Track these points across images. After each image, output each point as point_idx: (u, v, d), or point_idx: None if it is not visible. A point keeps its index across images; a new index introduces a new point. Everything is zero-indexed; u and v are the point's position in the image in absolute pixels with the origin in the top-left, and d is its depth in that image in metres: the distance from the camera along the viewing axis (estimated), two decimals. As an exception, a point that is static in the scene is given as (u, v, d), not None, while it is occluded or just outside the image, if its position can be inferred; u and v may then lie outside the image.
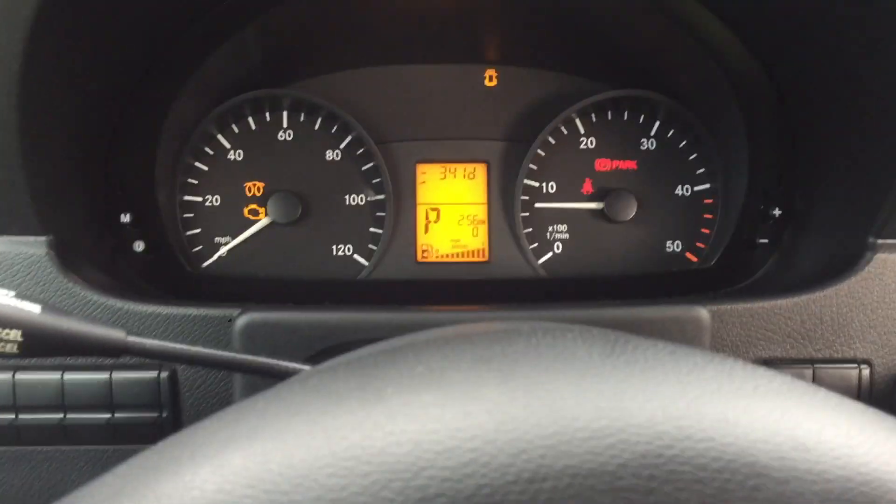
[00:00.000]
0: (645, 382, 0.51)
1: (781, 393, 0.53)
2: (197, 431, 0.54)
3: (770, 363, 1.22)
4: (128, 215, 1.43)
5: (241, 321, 1.10)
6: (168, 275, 1.50)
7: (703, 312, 1.14)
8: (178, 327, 1.19)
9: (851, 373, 1.23)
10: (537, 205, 1.68)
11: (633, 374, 0.52)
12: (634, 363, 0.54)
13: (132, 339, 0.80)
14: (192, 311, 1.20)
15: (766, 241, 1.50)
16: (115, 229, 1.43)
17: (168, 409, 1.18)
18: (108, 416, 1.17)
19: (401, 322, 1.11)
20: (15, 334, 0.73)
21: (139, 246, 1.45)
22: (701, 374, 0.54)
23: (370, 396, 0.51)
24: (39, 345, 0.74)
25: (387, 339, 0.72)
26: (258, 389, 1.10)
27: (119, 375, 1.16)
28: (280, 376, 0.87)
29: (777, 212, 1.49)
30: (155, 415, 1.18)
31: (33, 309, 0.76)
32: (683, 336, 1.13)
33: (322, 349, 1.10)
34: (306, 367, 0.86)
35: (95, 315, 1.18)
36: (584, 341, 0.58)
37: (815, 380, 1.22)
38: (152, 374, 1.16)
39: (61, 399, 1.16)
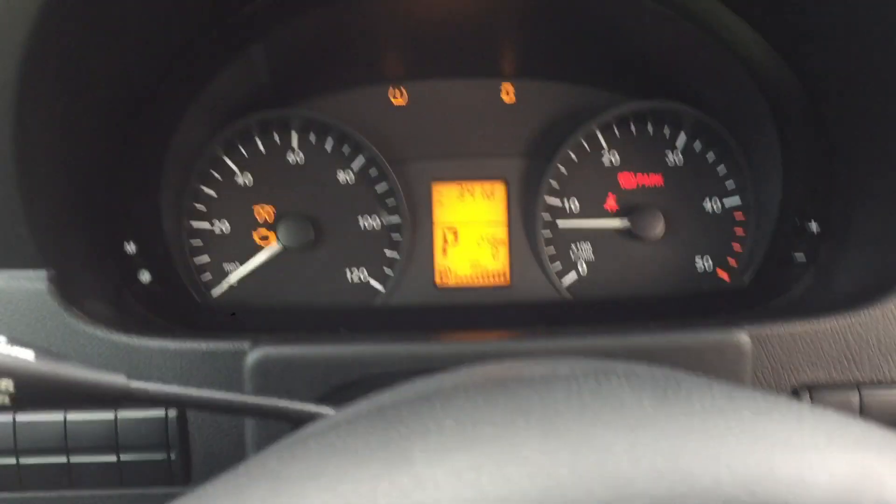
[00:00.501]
0: (706, 436, 0.46)
1: (861, 444, 0.48)
2: (203, 498, 0.49)
3: (814, 388, 1.17)
4: (132, 244, 1.39)
5: (253, 357, 1.06)
6: (176, 306, 1.46)
7: (744, 337, 1.09)
8: (186, 363, 1.15)
9: (901, 396, 1.17)
10: (560, 223, 1.64)
11: (691, 426, 0.47)
12: (691, 412, 0.49)
13: (135, 383, 0.75)
14: (202, 345, 1.16)
15: (802, 257, 1.45)
16: (120, 259, 1.39)
17: (177, 451, 1.14)
18: (113, 458, 1.13)
19: (421, 353, 1.07)
20: (6, 384, 0.68)
21: (145, 276, 1.41)
22: (768, 424, 0.49)
23: (395, 458, 0.46)
24: (33, 395, 0.70)
25: (411, 382, 0.67)
26: (272, 429, 1.08)
27: (125, 415, 1.12)
28: (294, 419, 0.82)
29: (814, 226, 1.44)
30: (163, 456, 1.14)
31: (26, 355, 0.72)
32: (723, 363, 1.08)
33: (339, 385, 1.05)
34: (322, 410, 0.81)
35: (99, 352, 1.15)
36: (632, 386, 0.53)
37: (863, 404, 1.18)
38: (160, 413, 1.12)
39: (64, 441, 1.12)
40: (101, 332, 1.15)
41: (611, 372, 0.56)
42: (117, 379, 0.74)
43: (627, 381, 0.54)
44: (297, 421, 0.83)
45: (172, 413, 1.11)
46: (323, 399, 1.05)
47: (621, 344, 1.08)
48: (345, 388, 1.05)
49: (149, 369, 1.15)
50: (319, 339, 1.10)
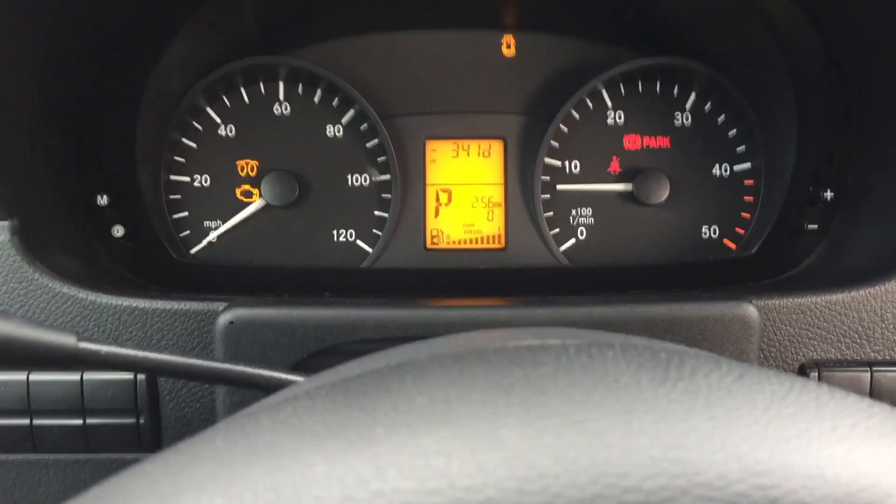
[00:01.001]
0: (712, 423, 0.40)
1: (890, 433, 0.43)
2: (151, 468, 0.43)
3: (823, 365, 1.13)
4: (105, 197, 1.35)
5: (224, 318, 1.00)
6: (151, 263, 1.41)
7: (751, 310, 1.04)
8: (156, 323, 1.11)
9: (915, 376, 1.13)
10: (559, 186, 1.58)
11: (694, 409, 0.42)
12: (696, 394, 0.43)
13: (84, 345, 0.70)
14: (173, 304, 1.12)
15: (814, 226, 1.41)
16: (92, 213, 1.34)
17: (146, 415, 1.10)
18: (79, 421, 1.09)
19: (405, 319, 1.01)
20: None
21: (118, 231, 1.36)
22: (782, 409, 0.43)
23: (355, 438, 0.41)
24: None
25: (383, 351, 0.61)
26: (244, 395, 1.03)
27: (92, 376, 1.07)
28: (264, 388, 0.77)
29: (828, 194, 1.39)
30: (132, 421, 1.10)
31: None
32: (728, 337, 1.03)
33: (316, 351, 1.00)
34: (291, 378, 0.76)
35: (64, 309, 1.10)
36: (628, 362, 0.48)
37: (874, 384, 1.14)
38: (128, 375, 1.08)
39: (27, 402, 1.08)
40: (66, 288, 1.11)
41: (606, 344, 0.50)
42: (66, 339, 0.69)
43: (624, 355, 0.49)
44: (268, 389, 0.78)
45: (142, 375, 1.06)
46: (299, 367, 1.00)
47: (620, 314, 1.03)
48: (323, 354, 1.00)
49: (116, 329, 1.11)
50: (298, 303, 1.05)
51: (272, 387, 0.75)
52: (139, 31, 1.35)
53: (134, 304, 1.11)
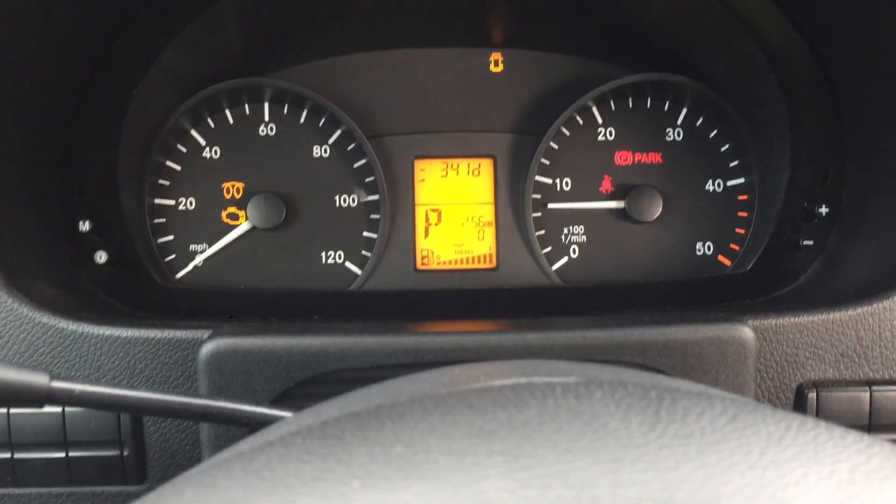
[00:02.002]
0: (704, 471, 0.38)
1: (889, 476, 0.41)
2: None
3: (821, 386, 1.11)
4: (87, 223, 1.32)
5: (207, 349, 0.98)
6: (136, 288, 1.39)
7: (747, 332, 1.02)
8: (139, 352, 1.10)
9: (915, 395, 1.12)
10: (550, 204, 1.57)
11: (686, 457, 0.40)
12: (688, 438, 0.42)
13: (58, 384, 0.68)
14: (156, 333, 1.10)
15: (810, 242, 1.39)
16: (73, 239, 1.32)
17: (130, 447, 1.08)
18: (62, 454, 1.07)
19: (392, 347, 0.99)
20: None
21: (101, 257, 1.34)
22: (778, 452, 0.41)
23: (330, 493, 0.39)
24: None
25: (366, 388, 0.59)
26: (228, 426, 1.01)
27: (73, 408, 1.05)
28: (246, 424, 0.75)
29: (823, 210, 1.38)
30: (115, 453, 1.08)
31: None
32: (724, 359, 1.01)
33: (302, 380, 0.98)
34: (274, 413, 0.74)
35: (46, 340, 1.08)
36: (618, 403, 0.46)
37: (873, 403, 1.12)
38: (111, 406, 1.05)
39: (8, 436, 1.06)
40: (45, 318, 1.09)
41: (594, 383, 0.48)
42: (38, 379, 0.67)
43: (613, 395, 0.47)
44: (250, 426, 0.76)
45: None
46: (285, 396, 0.98)
47: (613, 338, 1.01)
48: (309, 383, 0.98)
49: (98, 359, 1.09)
50: (283, 331, 1.03)
51: (254, 423, 0.73)
52: (121, 51, 1.34)
53: (115, 333, 1.09)
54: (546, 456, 0.40)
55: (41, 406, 0.68)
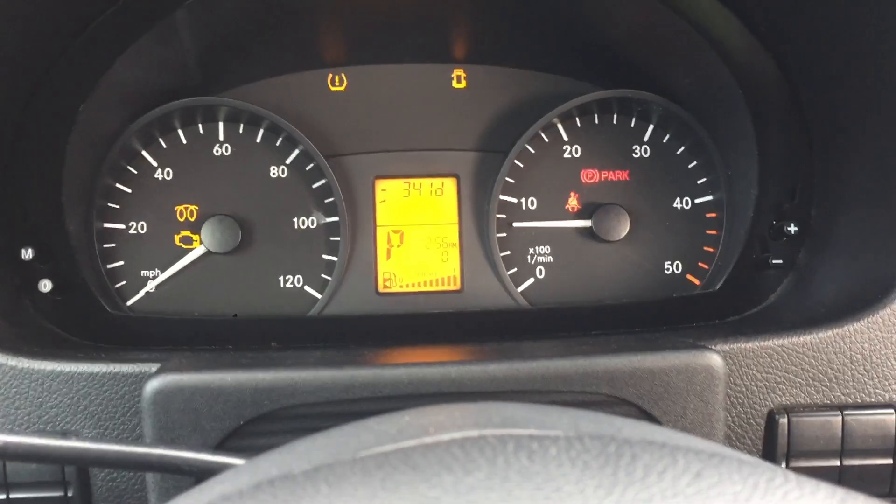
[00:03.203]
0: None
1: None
2: None
3: (792, 410, 1.10)
4: (30, 250, 1.27)
5: (152, 386, 0.94)
6: (84, 317, 1.35)
7: (716, 359, 1.00)
8: (84, 388, 1.06)
9: (887, 419, 1.11)
10: (515, 224, 1.55)
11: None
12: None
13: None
14: (101, 367, 1.07)
15: (779, 261, 1.39)
16: (16, 267, 1.27)
17: (75, 489, 1.04)
18: (2, 496, 1.03)
19: (347, 382, 0.96)
20: None
21: (46, 286, 1.30)
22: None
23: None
24: None
25: (309, 440, 0.56)
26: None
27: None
28: (188, 473, 0.71)
29: (792, 228, 1.37)
30: (59, 494, 1.04)
31: None
32: (693, 387, 0.99)
33: (252, 418, 0.94)
34: (218, 460, 0.70)
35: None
36: (573, 462, 0.43)
37: (846, 427, 1.11)
38: (54, 445, 1.01)
39: (-56, 478, 1.01)
40: None
41: (548, 439, 0.45)
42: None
43: (568, 452, 0.44)
44: (193, 474, 0.72)
45: None
46: (235, 434, 0.94)
47: (580, 367, 0.98)
48: (259, 420, 0.94)
49: (40, 395, 1.05)
50: (233, 364, 0.99)
51: (197, 471, 0.70)
52: (66, 65, 1.28)
53: (58, 368, 1.06)
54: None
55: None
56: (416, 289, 1.55)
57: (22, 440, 0.66)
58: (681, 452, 0.45)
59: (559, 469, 0.42)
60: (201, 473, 0.71)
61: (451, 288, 1.56)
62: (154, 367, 1.03)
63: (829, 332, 1.11)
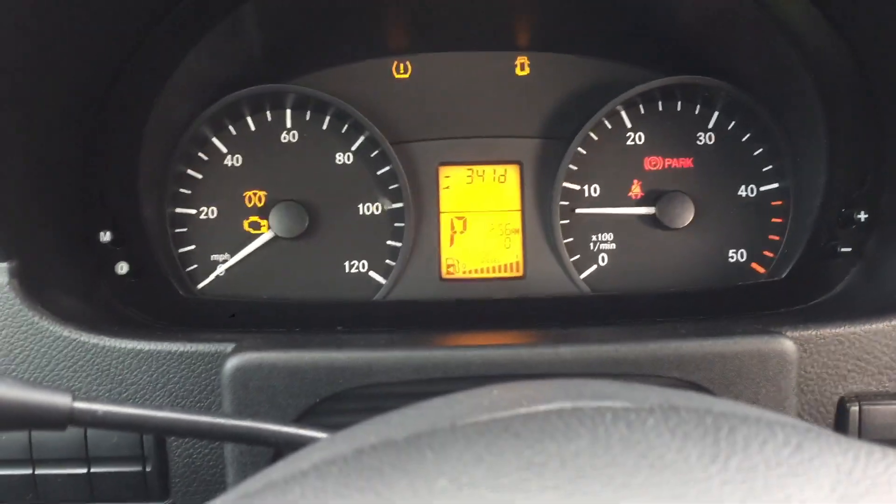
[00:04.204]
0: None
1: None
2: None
3: (864, 398, 1.09)
4: (108, 233, 1.31)
5: (231, 364, 0.96)
6: (157, 300, 1.38)
7: (788, 344, 0.99)
8: (162, 366, 1.09)
9: (962, 409, 1.09)
10: (578, 211, 1.54)
11: (753, 494, 0.37)
12: (752, 472, 0.39)
13: (80, 404, 0.66)
14: (179, 346, 1.09)
15: (847, 249, 1.36)
16: (94, 250, 1.31)
17: (153, 463, 1.08)
18: (84, 470, 1.06)
19: (420, 362, 0.97)
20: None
21: (122, 268, 1.33)
22: (849, 486, 0.39)
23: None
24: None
25: (401, 412, 0.57)
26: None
27: (95, 424, 1.03)
28: (273, 444, 0.73)
29: (862, 215, 1.34)
30: (138, 469, 1.07)
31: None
32: (765, 373, 0.98)
33: (328, 396, 0.96)
34: (301, 433, 0.72)
35: (67, 354, 1.08)
36: (672, 432, 0.43)
37: None
38: (133, 422, 1.04)
39: (29, 451, 1.05)
40: (67, 332, 1.08)
41: (644, 410, 0.46)
42: (60, 399, 0.65)
43: (667, 422, 0.45)
44: (277, 445, 0.74)
45: None
46: (310, 412, 0.96)
47: (649, 352, 0.98)
48: (335, 399, 0.96)
49: (120, 373, 1.08)
50: (308, 344, 1.01)
51: (282, 443, 0.71)
52: (143, 58, 1.33)
53: (137, 347, 1.08)
54: (601, 492, 0.37)
55: (63, 429, 0.67)
56: (479, 275, 1.56)
57: (117, 409, 0.68)
58: (778, 426, 0.45)
59: (660, 439, 0.43)
60: (285, 445, 0.72)
61: (514, 274, 1.56)
62: (229, 346, 1.06)
63: (903, 320, 1.10)
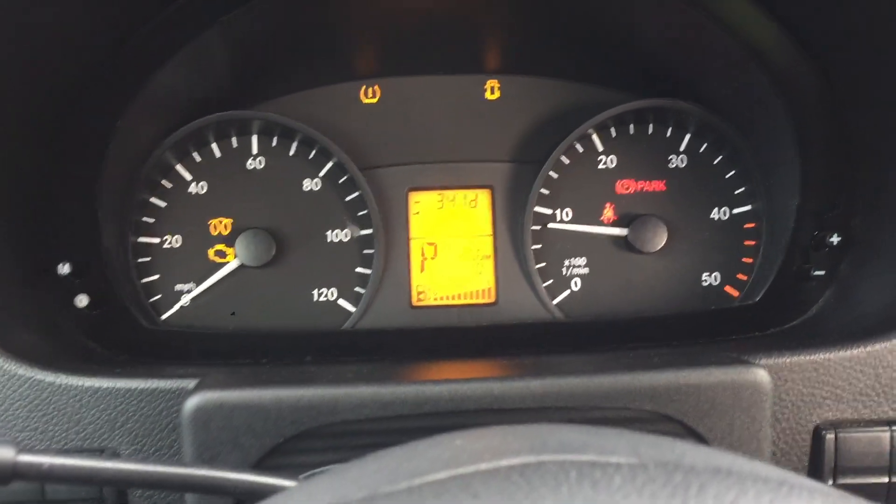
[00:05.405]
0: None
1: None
2: None
3: (840, 426, 1.08)
4: (66, 265, 1.28)
5: (192, 403, 0.93)
6: (120, 332, 1.35)
7: (762, 375, 0.98)
8: (121, 404, 1.05)
9: (939, 435, 1.09)
10: (551, 225, 1.54)
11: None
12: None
13: (25, 458, 0.63)
14: (139, 383, 1.06)
15: (821, 272, 1.36)
16: (53, 282, 1.28)
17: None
18: (41, 513, 1.02)
19: (386, 398, 0.94)
20: None
21: (82, 301, 1.30)
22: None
23: None
24: None
25: (360, 463, 0.55)
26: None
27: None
28: (232, 493, 0.70)
29: (834, 238, 1.34)
30: (97, 511, 1.03)
31: None
32: (738, 403, 0.97)
33: (293, 435, 0.93)
34: (260, 482, 0.69)
35: (22, 393, 1.04)
36: (640, 492, 0.42)
37: (894, 444, 1.08)
38: (92, 460, 1.01)
39: (-18, 496, 1.01)
40: (22, 370, 1.05)
41: (611, 466, 0.44)
42: (2, 453, 0.62)
43: (634, 481, 0.43)
44: (237, 495, 0.71)
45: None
46: (276, 451, 0.93)
47: (622, 383, 0.96)
48: (300, 437, 0.93)
49: (78, 412, 1.05)
50: (273, 381, 0.99)
51: (243, 493, 0.69)
52: (104, 82, 1.30)
53: (96, 385, 1.05)
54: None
55: (6, 484, 0.64)
56: (451, 302, 1.54)
57: (64, 461, 0.66)
58: (749, 481, 0.44)
59: (626, 500, 0.41)
60: (245, 495, 0.70)
61: (486, 301, 1.54)
62: (191, 382, 1.03)
63: (877, 346, 1.09)
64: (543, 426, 0.57)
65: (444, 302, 1.54)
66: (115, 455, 1.04)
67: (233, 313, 1.48)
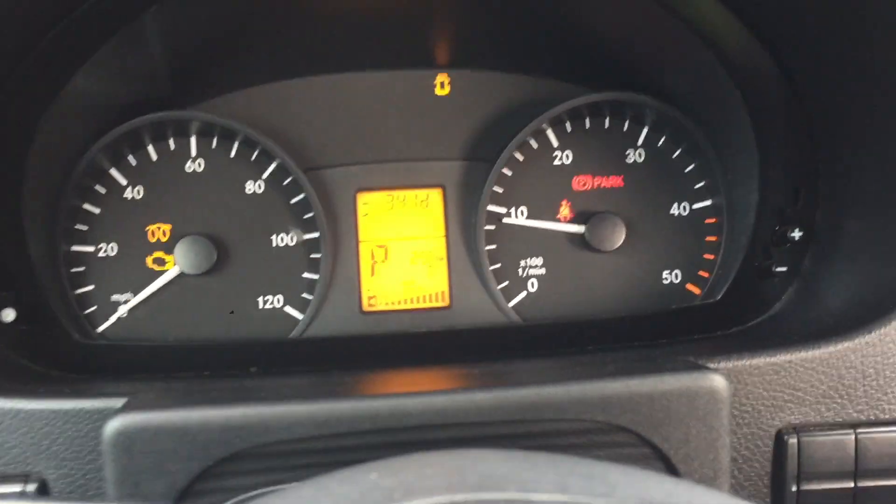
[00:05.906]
0: None
1: None
2: None
3: (802, 430, 1.06)
4: None
5: (113, 427, 0.88)
6: (52, 347, 1.30)
7: (719, 381, 0.94)
8: (45, 426, 1.00)
9: (903, 437, 1.08)
10: (506, 221, 1.51)
11: None
12: None
13: None
14: (62, 404, 1.01)
15: (783, 268, 1.35)
16: (-25, 297, 1.22)
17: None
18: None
19: (323, 417, 0.90)
20: None
21: (9, 315, 1.24)
22: None
23: None
24: None
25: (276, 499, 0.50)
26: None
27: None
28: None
29: (796, 233, 1.33)
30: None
31: None
32: (695, 410, 0.93)
33: (223, 457, 0.88)
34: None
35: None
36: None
37: (859, 447, 1.07)
38: (15, 487, 0.96)
39: None
40: None
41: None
42: None
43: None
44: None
45: (32, 486, 0.96)
46: (204, 476, 0.88)
47: (574, 394, 0.92)
48: (231, 460, 0.88)
49: (0, 435, 0.99)
50: (206, 397, 0.94)
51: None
52: (24, 75, 1.21)
53: (18, 406, 1.00)
54: None
55: None
56: (403, 306, 1.51)
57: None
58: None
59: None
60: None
61: (440, 304, 1.51)
62: (120, 401, 0.98)
63: (839, 346, 1.07)
64: (468, 454, 0.53)
65: (396, 307, 1.51)
66: (40, 481, 0.99)
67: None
